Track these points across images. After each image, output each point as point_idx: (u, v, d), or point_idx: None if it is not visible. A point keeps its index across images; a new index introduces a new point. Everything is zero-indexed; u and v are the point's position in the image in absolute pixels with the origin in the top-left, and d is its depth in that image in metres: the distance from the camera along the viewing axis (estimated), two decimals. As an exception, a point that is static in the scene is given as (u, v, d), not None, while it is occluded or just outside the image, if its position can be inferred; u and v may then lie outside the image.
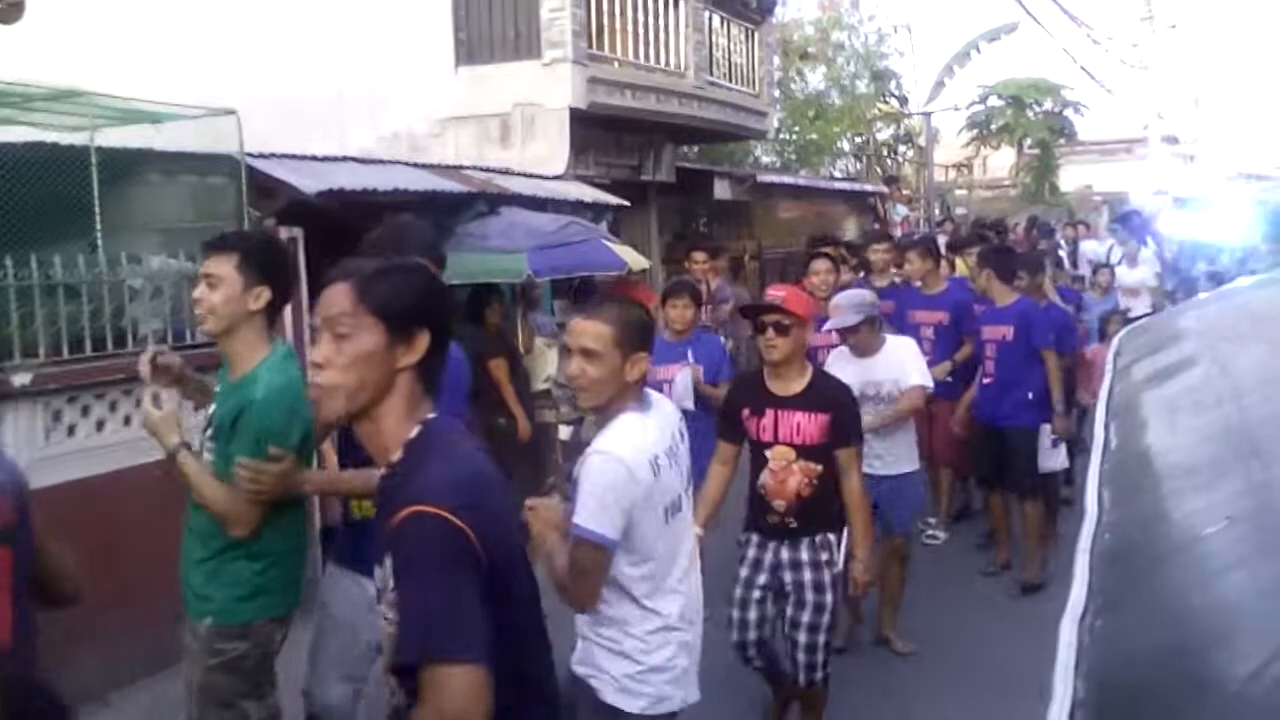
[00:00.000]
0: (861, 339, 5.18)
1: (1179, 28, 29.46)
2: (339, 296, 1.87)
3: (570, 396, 8.23)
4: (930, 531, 7.28)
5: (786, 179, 17.76)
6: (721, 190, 13.98)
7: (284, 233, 6.32)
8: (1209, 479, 1.07)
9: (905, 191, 23.54)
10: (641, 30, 10.78)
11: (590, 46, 9.95)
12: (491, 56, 9.94)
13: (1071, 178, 31.60)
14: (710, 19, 12.00)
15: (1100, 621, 0.85)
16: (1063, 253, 13.82)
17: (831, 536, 4.09)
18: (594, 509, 2.55)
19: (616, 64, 10.46)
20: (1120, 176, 32.16)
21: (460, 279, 7.36)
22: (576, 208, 9.11)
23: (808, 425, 4.03)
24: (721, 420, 4.35)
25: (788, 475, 4.05)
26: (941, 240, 10.76)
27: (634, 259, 8.54)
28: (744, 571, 4.19)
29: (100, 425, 5.37)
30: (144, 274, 5.69)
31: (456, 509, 1.74)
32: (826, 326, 5.43)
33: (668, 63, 11.14)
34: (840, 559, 4.09)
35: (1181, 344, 1.89)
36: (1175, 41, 29.46)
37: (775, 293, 4.16)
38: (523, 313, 8.07)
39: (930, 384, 5.41)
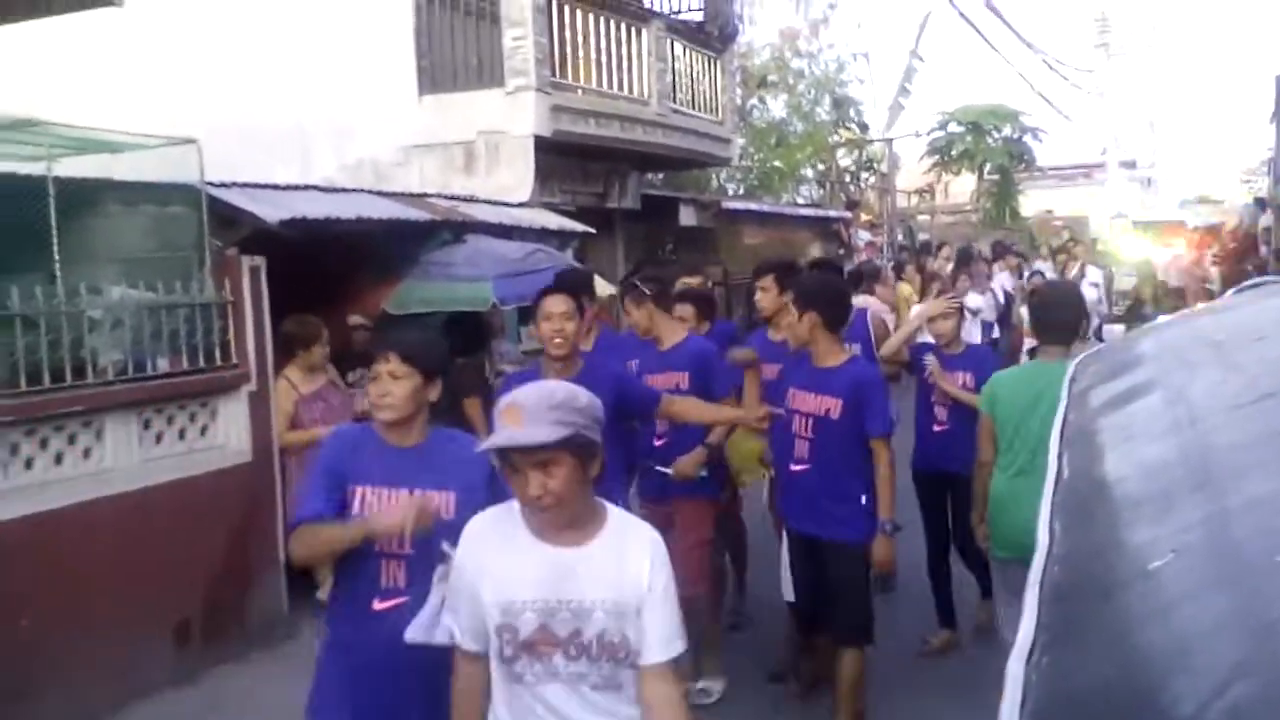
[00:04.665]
0: (561, 490, 2.24)
1: (1132, 55, 29.97)
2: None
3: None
4: (700, 685, 5.13)
5: (751, 205, 17.87)
6: (687, 217, 14.04)
7: (246, 262, 6.29)
8: (1159, 510, 1.08)
9: (868, 217, 23.74)
10: (604, 58, 10.86)
11: (553, 74, 10.01)
12: (455, 85, 9.99)
13: (1032, 203, 32.04)
14: (673, 47, 12.10)
15: (1047, 659, 0.85)
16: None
17: None
18: None
19: (580, 92, 10.52)
20: (1080, 201, 32.71)
21: (425, 307, 7.37)
22: (542, 235, 9.13)
23: None
24: None
25: None
26: None
27: (600, 286, 8.53)
28: None
29: (59, 458, 5.30)
30: (104, 304, 5.64)
31: None
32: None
33: (631, 90, 11.21)
34: None
35: (1137, 370, 1.90)
36: (1130, 67, 30.00)
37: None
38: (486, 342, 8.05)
39: None
